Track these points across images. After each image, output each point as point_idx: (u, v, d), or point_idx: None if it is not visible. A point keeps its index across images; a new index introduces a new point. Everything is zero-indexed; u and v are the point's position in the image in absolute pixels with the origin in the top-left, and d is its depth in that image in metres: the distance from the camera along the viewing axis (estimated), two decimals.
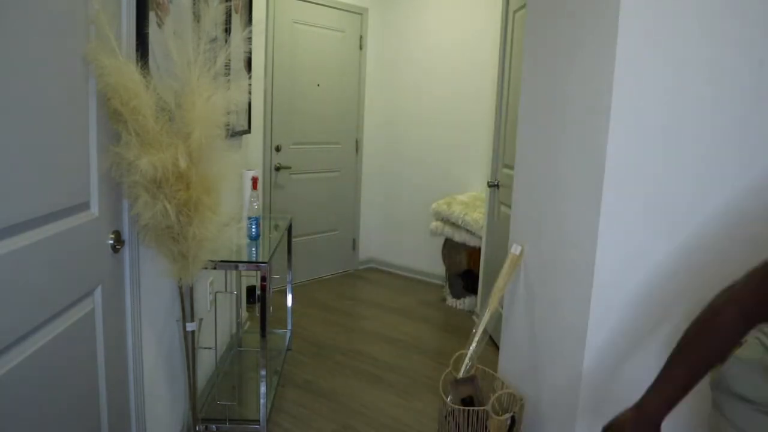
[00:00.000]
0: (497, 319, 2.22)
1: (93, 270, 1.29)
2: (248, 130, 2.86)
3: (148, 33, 1.46)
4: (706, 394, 1.08)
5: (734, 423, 1.01)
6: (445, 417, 1.90)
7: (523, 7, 2.54)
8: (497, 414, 1.81)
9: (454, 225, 3.55)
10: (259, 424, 1.99)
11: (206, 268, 1.62)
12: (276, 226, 2.65)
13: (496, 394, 1.88)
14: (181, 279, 1.54)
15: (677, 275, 1.48)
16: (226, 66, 1.48)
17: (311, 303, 3.65)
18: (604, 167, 1.49)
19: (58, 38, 1.09)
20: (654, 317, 1.52)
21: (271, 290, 2.84)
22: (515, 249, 2.01)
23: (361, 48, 4.15)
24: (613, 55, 1.44)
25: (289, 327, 2.96)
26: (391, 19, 4.22)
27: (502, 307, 2.20)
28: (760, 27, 1.35)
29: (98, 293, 1.31)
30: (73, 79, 1.16)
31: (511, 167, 2.35)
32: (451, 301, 3.74)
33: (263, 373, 1.96)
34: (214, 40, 1.49)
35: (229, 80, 1.59)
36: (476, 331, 2.00)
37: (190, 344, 1.70)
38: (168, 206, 1.36)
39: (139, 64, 1.32)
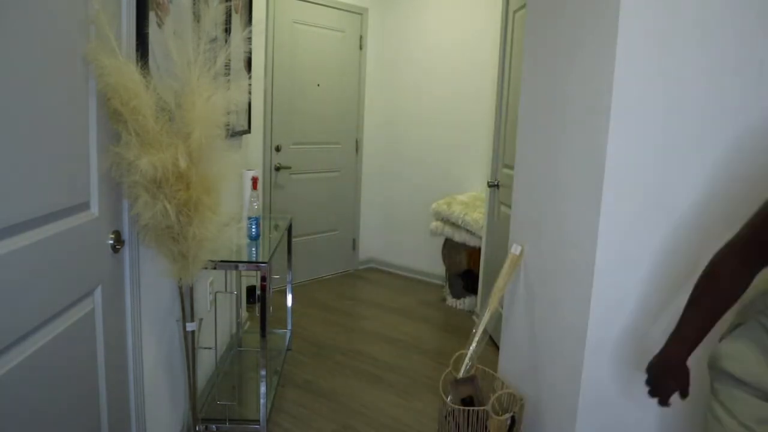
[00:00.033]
0: (497, 319, 2.22)
1: (93, 270, 1.29)
2: (248, 130, 2.86)
3: (148, 33, 1.46)
4: (704, 395, 1.08)
5: (723, 403, 1.03)
6: (445, 417, 1.90)
7: (523, 7, 2.54)
8: (497, 414, 1.81)
9: (454, 225, 3.55)
10: (259, 424, 1.99)
11: (206, 268, 1.62)
12: (276, 226, 2.65)
13: (496, 394, 1.88)
14: (181, 279, 1.54)
15: (677, 275, 1.48)
16: (226, 66, 1.48)
17: (311, 303, 3.65)
18: (604, 167, 1.49)
19: (58, 38, 1.09)
20: (654, 317, 1.52)
21: (271, 290, 2.84)
22: (515, 249, 2.01)
23: (361, 48, 4.15)
24: (613, 55, 1.44)
25: (289, 327, 2.96)
26: (391, 19, 4.22)
27: (502, 307, 2.20)
28: (761, 27, 1.35)
29: (98, 293, 1.31)
30: (73, 79, 1.16)
31: (511, 167, 2.35)
32: (451, 301, 3.74)
33: (263, 373, 1.96)
34: (214, 40, 1.49)
35: (229, 80, 1.59)
36: (476, 331, 2.00)
37: (190, 344, 1.70)
38: (168, 206, 1.36)
39: (139, 64, 1.32)
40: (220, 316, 2.41)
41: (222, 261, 1.89)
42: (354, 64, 4.13)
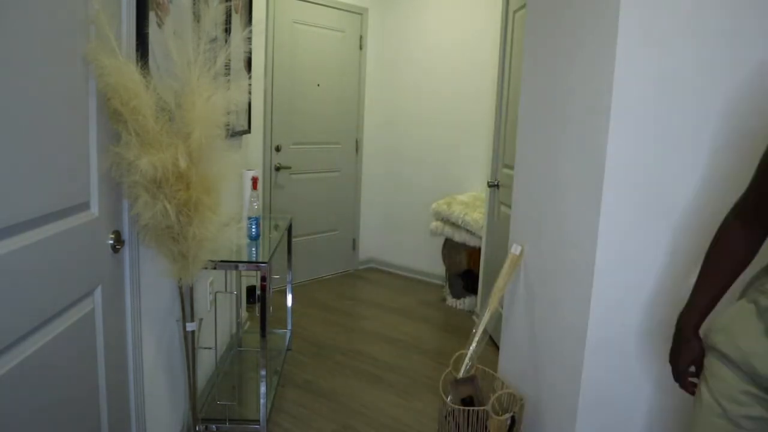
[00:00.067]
0: (497, 319, 2.22)
1: (93, 270, 1.29)
2: (248, 130, 2.86)
3: (148, 33, 1.46)
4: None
5: (706, 378, 1.05)
6: (445, 417, 1.90)
7: (523, 7, 2.54)
8: (497, 414, 1.81)
9: (454, 225, 3.55)
10: (259, 424, 1.99)
11: (206, 268, 1.62)
12: (276, 226, 2.65)
13: (496, 394, 1.88)
14: (181, 279, 1.54)
15: (677, 274, 1.48)
16: (226, 66, 1.48)
17: (311, 303, 3.65)
18: (604, 167, 1.49)
19: (58, 38, 1.09)
20: (654, 317, 1.52)
21: (271, 290, 2.84)
22: (515, 249, 2.01)
23: (361, 48, 4.15)
24: (613, 55, 1.44)
25: (289, 327, 2.96)
26: (391, 19, 4.22)
27: (502, 307, 2.20)
28: (760, 27, 1.35)
29: (98, 293, 1.31)
30: (73, 79, 1.16)
31: (511, 167, 2.35)
32: (451, 301, 3.74)
33: (263, 373, 1.96)
34: (214, 40, 1.49)
35: (229, 80, 1.59)
36: (476, 331, 2.00)
37: (190, 344, 1.70)
38: (168, 206, 1.36)
39: (139, 64, 1.32)
40: (220, 316, 2.41)
41: (222, 261, 1.89)
42: (354, 64, 4.13)
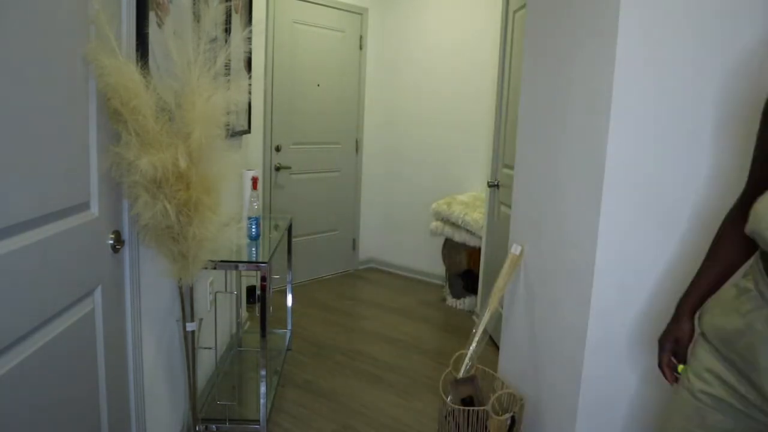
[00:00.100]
0: (497, 319, 2.22)
1: (93, 270, 1.29)
2: (248, 130, 2.86)
3: (148, 33, 1.46)
4: None
5: (690, 361, 1.07)
6: (445, 417, 1.90)
7: (523, 7, 2.54)
8: (497, 414, 1.81)
9: (454, 225, 3.55)
10: (259, 424, 1.99)
11: (206, 268, 1.62)
12: (276, 226, 2.65)
13: (496, 394, 1.88)
14: (181, 279, 1.54)
15: (678, 274, 1.48)
16: (226, 66, 1.48)
17: (311, 303, 3.65)
18: (604, 167, 1.49)
19: (58, 38, 1.09)
20: (654, 317, 1.52)
21: (271, 290, 2.84)
22: (515, 249, 2.01)
23: (361, 48, 4.15)
24: (613, 55, 1.44)
25: (289, 327, 2.96)
26: (391, 19, 4.22)
27: (502, 307, 2.20)
28: (762, 28, 1.35)
29: (98, 293, 1.31)
30: (73, 80, 1.16)
31: (511, 167, 2.35)
32: (451, 301, 3.74)
33: (263, 373, 1.96)
34: (214, 40, 1.49)
35: (229, 80, 1.59)
36: (476, 331, 2.00)
37: (190, 344, 1.70)
38: (168, 206, 1.36)
39: (139, 64, 1.32)
40: (220, 316, 2.41)
41: (222, 261, 1.90)
42: (354, 64, 4.13)
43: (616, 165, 1.48)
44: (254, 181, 2.33)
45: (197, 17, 1.82)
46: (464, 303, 3.67)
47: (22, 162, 0.98)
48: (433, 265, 4.13)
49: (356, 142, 4.28)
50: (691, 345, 1.10)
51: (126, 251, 1.48)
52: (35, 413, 1.06)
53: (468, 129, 3.93)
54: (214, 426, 2.00)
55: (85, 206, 1.25)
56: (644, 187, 1.47)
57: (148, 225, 1.41)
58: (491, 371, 2.08)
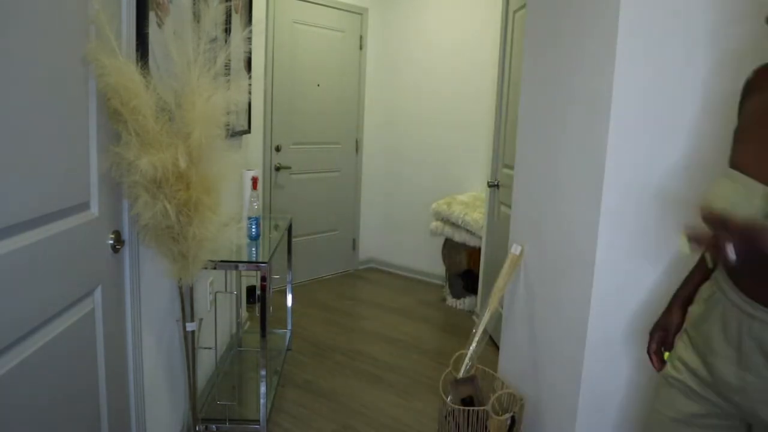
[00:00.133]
0: (497, 319, 2.22)
1: (93, 270, 1.29)
2: (248, 130, 2.86)
3: (148, 33, 1.46)
4: None
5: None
6: (445, 417, 1.90)
7: (523, 7, 2.54)
8: (497, 414, 1.81)
9: (454, 225, 3.55)
10: (259, 424, 1.99)
11: (206, 268, 1.62)
12: (276, 226, 2.65)
13: (496, 394, 1.88)
14: (181, 279, 1.54)
15: (678, 274, 1.47)
16: (226, 66, 1.48)
17: (311, 303, 3.65)
18: (604, 167, 1.49)
19: (58, 38, 1.09)
20: (654, 317, 1.52)
21: (271, 290, 2.84)
22: (515, 249, 2.01)
23: (361, 48, 4.15)
24: (613, 55, 1.44)
25: (289, 327, 2.96)
26: (391, 19, 4.22)
27: (502, 307, 2.20)
28: (763, 27, 1.35)
29: (98, 293, 1.31)
30: (73, 80, 1.16)
31: (511, 167, 2.35)
32: (451, 301, 3.74)
33: (263, 373, 1.96)
34: (214, 40, 1.49)
35: (229, 80, 1.59)
36: (476, 331, 2.00)
37: (190, 344, 1.70)
38: (168, 206, 1.36)
39: (139, 64, 1.32)
40: (220, 316, 2.41)
41: (222, 261, 1.89)
42: (354, 64, 4.13)
43: (616, 165, 1.48)
44: (254, 181, 2.33)
45: (197, 17, 1.82)
46: (464, 303, 3.67)
47: (22, 162, 0.98)
48: (433, 265, 4.13)
49: (356, 142, 4.28)
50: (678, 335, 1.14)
51: (126, 251, 1.48)
52: (35, 413, 1.06)
53: (468, 129, 3.93)
54: (214, 426, 2.00)
55: (85, 206, 1.25)
56: (644, 186, 1.47)
57: (148, 225, 1.41)
58: (491, 371, 2.08)
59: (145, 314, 1.61)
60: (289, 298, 2.99)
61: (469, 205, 3.58)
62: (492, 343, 2.76)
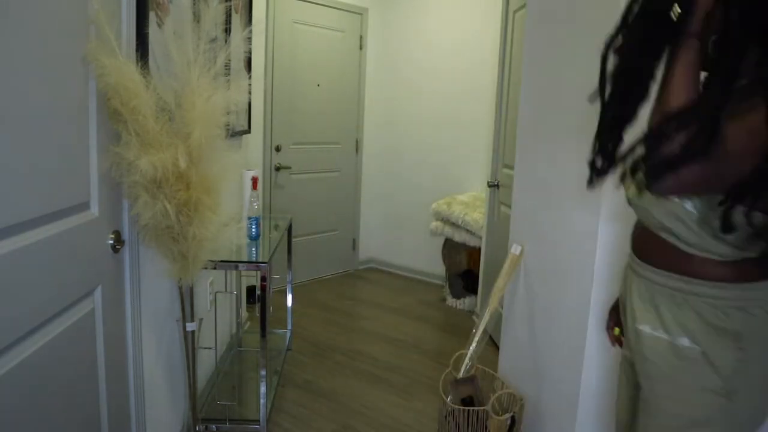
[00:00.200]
0: (497, 319, 2.22)
1: (93, 270, 1.29)
2: (248, 130, 2.86)
3: (148, 33, 1.46)
4: None
5: None
6: (445, 417, 1.90)
7: (523, 7, 2.54)
8: (497, 414, 1.81)
9: (454, 225, 3.55)
10: (259, 424, 1.99)
11: (206, 268, 1.62)
12: (276, 226, 2.65)
13: (496, 394, 1.88)
14: (181, 279, 1.54)
15: None
16: (226, 66, 1.48)
17: (311, 303, 3.65)
18: None
19: (57, 38, 1.09)
20: None
21: (271, 290, 2.84)
22: (515, 249, 2.01)
23: (361, 48, 4.15)
24: None
25: (289, 327, 2.96)
26: (391, 19, 4.22)
27: (502, 307, 2.20)
28: None
29: (98, 293, 1.31)
30: (73, 80, 1.16)
31: (511, 167, 2.35)
32: (451, 301, 3.74)
33: (263, 373, 1.97)
34: (214, 40, 1.49)
35: (229, 80, 1.59)
36: (476, 331, 2.00)
37: (190, 344, 1.70)
38: (168, 206, 1.36)
39: (139, 64, 1.32)
40: (220, 316, 2.41)
41: (222, 261, 1.90)
42: (354, 64, 4.13)
43: None
44: (254, 181, 2.33)
45: (197, 17, 1.82)
46: (464, 303, 3.67)
47: (22, 162, 0.98)
48: (433, 265, 4.13)
49: (356, 142, 4.28)
50: None
51: (126, 251, 1.48)
52: (35, 413, 1.06)
53: (468, 129, 3.93)
54: (214, 426, 2.00)
55: (85, 206, 1.25)
56: None
57: (148, 225, 1.41)
58: (491, 371, 2.08)
59: (145, 314, 1.61)
60: (289, 298, 2.99)
61: (469, 205, 3.58)
62: (492, 343, 2.75)
